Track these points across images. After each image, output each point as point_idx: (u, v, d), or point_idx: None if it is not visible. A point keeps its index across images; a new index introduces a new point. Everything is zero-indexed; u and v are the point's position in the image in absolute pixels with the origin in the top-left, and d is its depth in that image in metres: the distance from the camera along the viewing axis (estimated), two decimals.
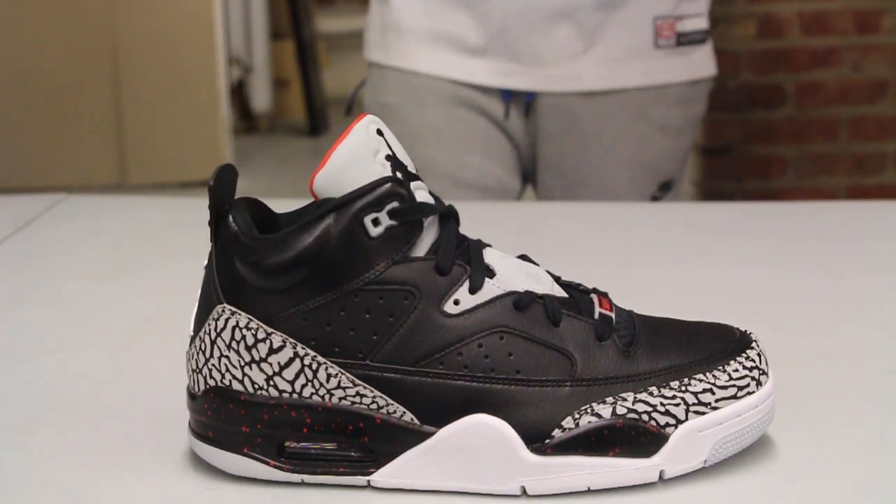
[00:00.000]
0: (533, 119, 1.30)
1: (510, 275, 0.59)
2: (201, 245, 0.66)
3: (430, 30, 1.28)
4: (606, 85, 1.27)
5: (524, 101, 1.29)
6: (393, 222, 0.57)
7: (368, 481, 0.58)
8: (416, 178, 0.59)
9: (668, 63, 1.29)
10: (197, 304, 0.60)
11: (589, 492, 0.57)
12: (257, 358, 0.57)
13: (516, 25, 1.25)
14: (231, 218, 0.58)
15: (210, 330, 0.59)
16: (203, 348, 0.59)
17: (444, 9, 1.27)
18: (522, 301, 0.58)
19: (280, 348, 0.57)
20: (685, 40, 1.29)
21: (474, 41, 1.26)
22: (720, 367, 0.59)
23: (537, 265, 0.62)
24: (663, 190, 1.32)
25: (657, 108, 1.29)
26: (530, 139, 1.32)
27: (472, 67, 1.27)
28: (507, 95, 1.28)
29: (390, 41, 1.32)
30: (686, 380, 0.58)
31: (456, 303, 0.57)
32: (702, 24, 1.31)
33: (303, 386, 0.57)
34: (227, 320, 0.58)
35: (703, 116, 1.36)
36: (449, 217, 0.59)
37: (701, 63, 1.32)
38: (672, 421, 0.57)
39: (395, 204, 0.56)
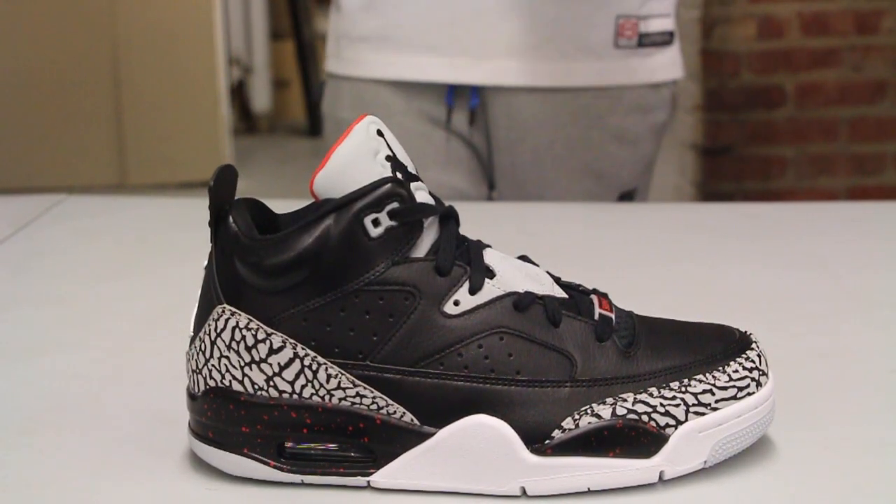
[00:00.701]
0: (485, 128, 1.27)
1: (510, 275, 0.59)
2: (201, 245, 0.66)
3: (378, 32, 1.25)
4: (558, 82, 1.22)
5: (468, 107, 1.25)
6: (393, 223, 0.57)
7: (368, 482, 0.58)
8: (416, 178, 0.59)
9: (627, 64, 1.23)
10: (197, 304, 0.60)
11: (589, 492, 0.57)
12: (257, 358, 0.57)
13: (466, 17, 1.21)
14: (231, 218, 0.58)
15: (210, 330, 0.59)
16: (203, 349, 0.59)
17: (392, 7, 1.23)
18: (522, 302, 0.58)
19: (280, 349, 0.57)
20: (648, 41, 1.23)
21: (424, 38, 1.22)
22: (720, 368, 0.59)
23: (537, 266, 0.62)
24: (624, 200, 1.28)
25: (613, 115, 1.24)
26: (486, 147, 1.28)
27: (421, 65, 1.23)
28: (451, 100, 1.24)
29: (343, 49, 1.29)
30: (686, 380, 0.58)
31: (456, 303, 0.57)
32: (667, 25, 1.25)
33: (303, 386, 0.57)
34: (227, 321, 0.58)
35: (668, 123, 1.30)
36: (449, 218, 0.59)
37: (663, 66, 1.26)
38: (672, 422, 0.57)
39: (395, 204, 0.56)
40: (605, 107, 1.24)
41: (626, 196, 1.28)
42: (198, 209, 0.85)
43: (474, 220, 0.77)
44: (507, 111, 1.24)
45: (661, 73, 1.26)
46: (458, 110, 1.26)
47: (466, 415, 0.56)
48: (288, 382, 0.57)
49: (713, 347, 0.60)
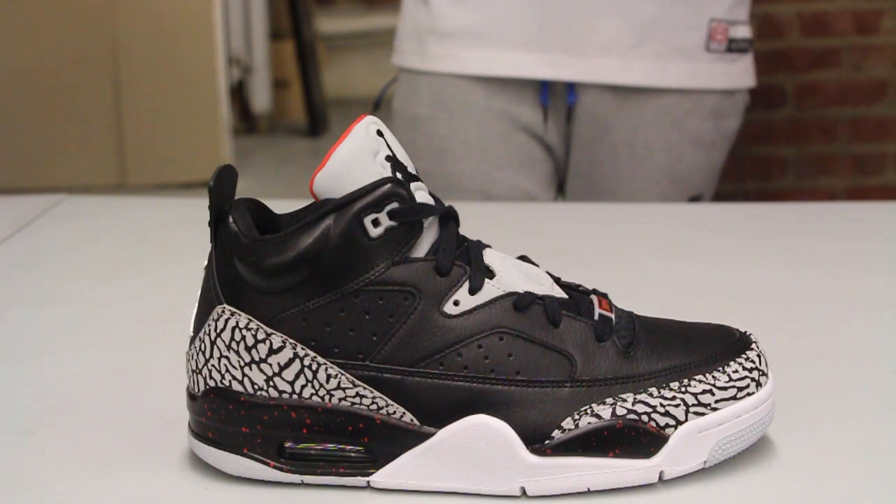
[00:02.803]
0: (566, 125, 1.28)
1: (510, 276, 0.59)
2: (201, 245, 0.66)
3: (470, 27, 1.24)
4: (653, 82, 1.24)
5: (566, 104, 1.26)
6: (393, 223, 0.57)
7: (368, 482, 0.58)
8: (415, 178, 0.59)
9: (715, 68, 1.26)
10: (197, 304, 0.60)
11: (589, 492, 0.57)
12: (257, 358, 0.57)
13: (561, 13, 1.21)
14: (231, 218, 0.58)
15: (210, 330, 0.59)
16: (203, 349, 0.59)
17: (486, 3, 1.23)
18: (522, 302, 0.58)
19: (280, 349, 0.57)
20: (735, 47, 1.27)
21: (520, 34, 1.22)
22: (720, 369, 0.59)
23: (537, 266, 0.62)
24: (692, 203, 1.30)
25: (692, 119, 1.27)
26: (565, 146, 1.29)
27: (517, 61, 1.23)
28: (545, 98, 1.25)
29: (428, 45, 1.27)
30: (686, 381, 0.58)
31: (456, 303, 0.57)
32: (748, 32, 1.29)
33: (302, 387, 0.57)
34: (226, 321, 0.58)
35: (737, 132, 1.33)
36: (449, 218, 0.59)
37: (742, 73, 1.30)
38: (672, 422, 0.57)
39: (394, 205, 0.56)
40: (686, 110, 1.26)
41: (694, 200, 1.31)
42: (198, 209, 0.85)
43: (475, 220, 0.77)
44: (591, 108, 1.26)
45: (740, 80, 1.30)
46: (553, 110, 1.26)
47: (466, 415, 0.56)
48: (288, 382, 0.57)
49: (713, 348, 0.60)
